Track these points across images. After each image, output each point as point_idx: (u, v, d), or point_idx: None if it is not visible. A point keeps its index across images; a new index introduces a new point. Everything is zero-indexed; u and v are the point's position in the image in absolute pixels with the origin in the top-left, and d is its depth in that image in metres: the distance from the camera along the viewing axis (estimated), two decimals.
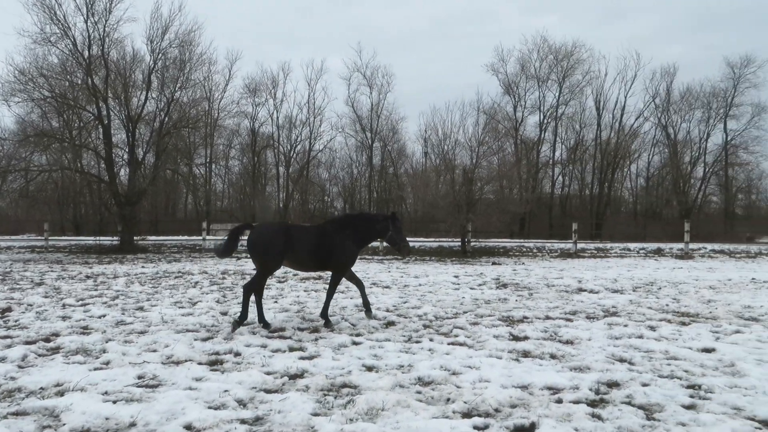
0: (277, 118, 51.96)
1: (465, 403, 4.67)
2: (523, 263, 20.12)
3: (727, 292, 11.89)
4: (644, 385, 5.21)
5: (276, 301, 10.04)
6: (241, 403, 4.69)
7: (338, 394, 4.92)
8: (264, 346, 6.61)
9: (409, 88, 74.82)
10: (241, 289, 8.31)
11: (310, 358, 6.12)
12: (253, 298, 7.83)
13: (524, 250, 26.86)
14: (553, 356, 6.28)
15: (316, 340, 7.01)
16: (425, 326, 7.91)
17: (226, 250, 7.94)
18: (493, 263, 19.93)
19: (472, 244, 24.98)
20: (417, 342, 6.92)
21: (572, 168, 51.76)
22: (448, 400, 4.78)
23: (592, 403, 4.71)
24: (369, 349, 6.49)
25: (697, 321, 8.56)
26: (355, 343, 6.81)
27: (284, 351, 6.43)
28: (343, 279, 8.43)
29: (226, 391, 4.93)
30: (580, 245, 26.48)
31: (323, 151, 54.19)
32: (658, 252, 25.47)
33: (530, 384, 5.18)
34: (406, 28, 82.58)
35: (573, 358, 6.20)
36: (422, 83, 79.69)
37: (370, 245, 9.08)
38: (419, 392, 4.97)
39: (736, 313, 9.15)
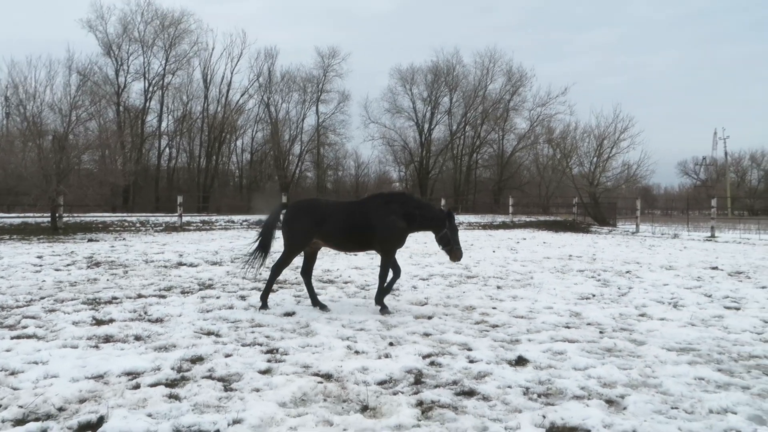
0: None
1: (21, 407, 3.99)
2: (123, 239, 18.93)
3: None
4: (227, 356, 5.30)
5: None
6: None
7: None
8: None
9: None
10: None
11: None
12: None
13: (126, 224, 25.20)
14: (138, 338, 5.92)
15: None
16: None
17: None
18: (89, 240, 18.24)
19: (65, 219, 22.46)
20: None
21: (180, 140, 50.97)
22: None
23: (171, 383, 4.55)
24: None
25: (284, 287, 9.25)
26: None
27: None
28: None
29: None
30: (186, 218, 26.22)
31: None
32: (260, 223, 26.98)
33: (107, 372, 4.75)
34: None
35: (159, 337, 5.95)
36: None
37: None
38: None
39: (317, 278, 10.20)
